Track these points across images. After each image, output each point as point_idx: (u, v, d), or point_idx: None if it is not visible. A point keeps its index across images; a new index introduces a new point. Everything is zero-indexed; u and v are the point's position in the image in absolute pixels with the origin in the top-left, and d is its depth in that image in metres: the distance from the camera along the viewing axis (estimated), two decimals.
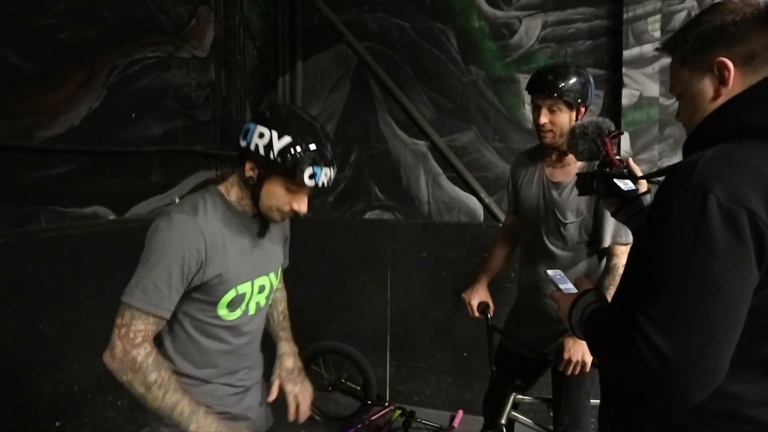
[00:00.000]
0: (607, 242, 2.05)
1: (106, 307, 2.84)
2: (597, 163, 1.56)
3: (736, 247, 0.91)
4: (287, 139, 1.41)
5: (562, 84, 2.00)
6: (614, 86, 3.37)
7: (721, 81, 1.07)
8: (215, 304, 1.50)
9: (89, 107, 2.96)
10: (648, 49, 3.22)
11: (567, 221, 2.09)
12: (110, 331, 1.42)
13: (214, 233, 1.46)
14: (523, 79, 3.57)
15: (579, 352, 1.97)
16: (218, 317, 1.52)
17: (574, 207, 2.08)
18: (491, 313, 2.31)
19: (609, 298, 1.28)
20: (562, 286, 1.38)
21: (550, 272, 1.46)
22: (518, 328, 2.32)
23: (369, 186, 3.98)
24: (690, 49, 1.11)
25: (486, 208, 3.62)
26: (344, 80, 4.01)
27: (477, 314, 2.31)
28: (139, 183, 3.30)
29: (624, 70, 3.29)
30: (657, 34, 3.21)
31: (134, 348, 1.37)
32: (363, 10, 3.91)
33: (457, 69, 3.72)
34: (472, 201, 3.70)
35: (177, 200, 3.55)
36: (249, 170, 1.45)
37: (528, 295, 2.28)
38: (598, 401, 1.31)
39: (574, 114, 2.04)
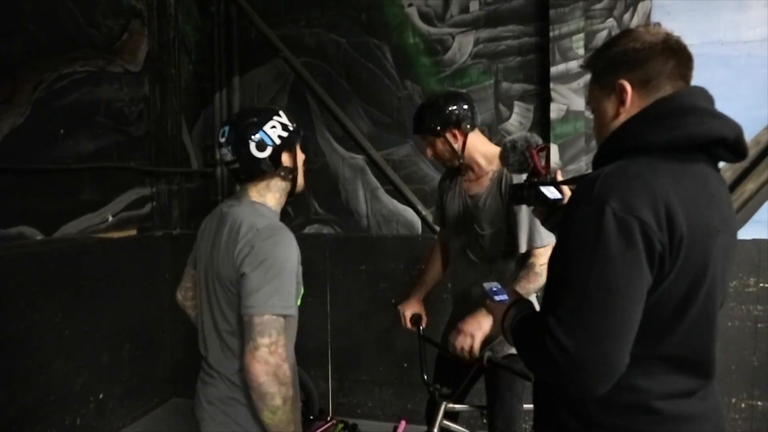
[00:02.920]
0: (523, 248, 2.11)
1: (31, 333, 2.78)
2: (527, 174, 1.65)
3: (628, 252, 1.02)
4: (281, 113, 1.70)
5: (421, 123, 2.19)
6: (543, 101, 3.50)
7: (621, 101, 1.19)
8: (298, 297, 1.66)
9: (12, 123, 2.86)
10: (573, 65, 3.36)
11: (484, 232, 2.18)
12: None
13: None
14: None
15: (467, 333, 2.00)
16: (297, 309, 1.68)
17: (489, 218, 2.17)
18: (424, 324, 2.37)
19: (522, 290, 1.50)
20: (497, 298, 1.44)
21: (485, 285, 1.52)
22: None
23: (308, 200, 3.98)
24: (600, 69, 1.24)
25: (423, 220, 3.68)
26: (281, 95, 4.01)
27: (410, 325, 2.36)
28: (69, 201, 3.20)
29: (552, 85, 3.42)
30: (581, 51, 3.36)
31: (284, 362, 1.52)
32: (299, 25, 3.93)
33: (393, 84, 3.79)
34: (409, 213, 3.75)
35: (110, 218, 3.47)
36: (286, 161, 1.68)
37: (458, 303, 2.35)
38: (531, 406, 1.38)
39: (447, 138, 2.15)
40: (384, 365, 3.65)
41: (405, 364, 3.56)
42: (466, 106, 2.17)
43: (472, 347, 1.99)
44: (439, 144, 2.18)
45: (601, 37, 3.40)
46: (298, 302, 1.68)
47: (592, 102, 1.27)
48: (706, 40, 3.22)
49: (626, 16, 3.35)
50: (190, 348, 4.12)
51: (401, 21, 3.76)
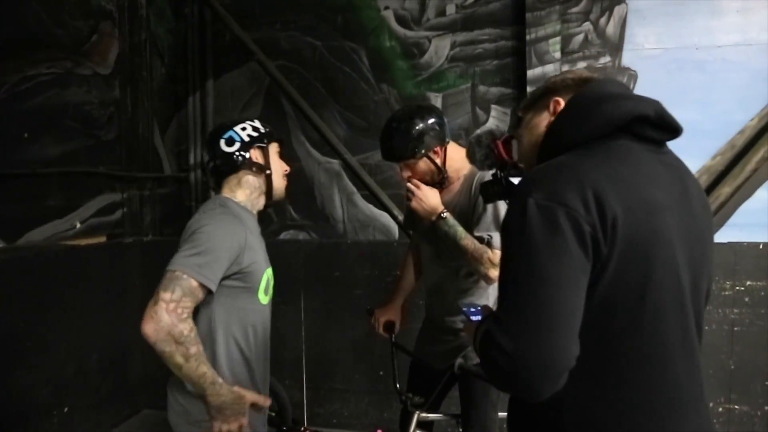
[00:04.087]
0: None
1: None
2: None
3: (554, 239, 0.98)
4: (256, 120, 1.87)
5: (395, 150, 2.06)
6: (520, 104, 3.46)
7: (553, 114, 1.24)
8: (256, 290, 1.72)
9: None
10: (550, 69, 3.34)
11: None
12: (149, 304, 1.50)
13: (247, 225, 1.72)
14: (434, 98, 3.63)
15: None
16: (258, 301, 1.74)
17: (459, 218, 2.07)
18: (396, 331, 2.33)
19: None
20: (473, 318, 1.39)
21: (462, 306, 1.48)
22: (426, 343, 2.33)
23: (283, 206, 3.91)
24: (539, 95, 1.30)
25: (399, 225, 3.63)
26: (256, 99, 3.94)
27: (382, 332, 2.33)
28: (35, 207, 3.10)
29: (528, 88, 3.39)
30: (557, 54, 3.34)
31: (181, 322, 1.50)
32: (274, 28, 3.87)
33: (369, 88, 3.74)
34: (386, 218, 3.70)
35: (78, 225, 3.38)
36: (256, 157, 1.80)
37: (430, 311, 2.31)
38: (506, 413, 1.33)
39: (428, 158, 2.05)
40: (360, 373, 3.58)
41: (381, 372, 3.50)
42: (438, 120, 2.08)
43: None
44: (421, 165, 2.06)
45: (578, 40, 3.38)
46: (260, 293, 1.73)
47: (522, 128, 1.31)
48: (681, 44, 3.22)
49: (602, 20, 3.34)
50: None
51: (377, 24, 3.72)
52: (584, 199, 0.99)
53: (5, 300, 2.80)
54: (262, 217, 3.91)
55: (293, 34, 3.84)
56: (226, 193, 1.80)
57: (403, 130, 2.05)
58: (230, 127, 1.81)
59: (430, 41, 3.66)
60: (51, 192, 3.21)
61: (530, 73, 3.39)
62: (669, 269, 1.06)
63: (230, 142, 1.77)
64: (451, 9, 3.61)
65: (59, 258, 3.17)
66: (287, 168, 1.92)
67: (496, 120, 3.55)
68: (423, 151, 2.04)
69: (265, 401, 1.73)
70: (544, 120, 1.24)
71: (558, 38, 3.35)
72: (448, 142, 2.10)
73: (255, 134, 1.81)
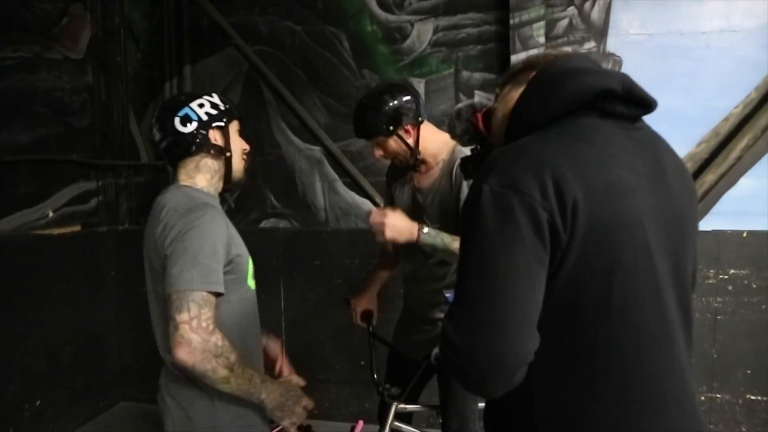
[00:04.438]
0: None
1: None
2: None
3: (506, 227, 0.92)
4: (214, 95, 1.67)
5: (364, 126, 2.02)
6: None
7: None
8: (245, 278, 1.61)
9: None
10: (534, 54, 3.28)
11: (435, 223, 2.06)
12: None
13: (221, 213, 1.58)
14: (417, 83, 3.56)
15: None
16: (249, 288, 1.64)
17: (437, 210, 2.06)
18: (374, 321, 2.29)
19: None
20: None
21: (447, 294, 1.43)
22: (405, 333, 2.29)
23: (264, 194, 3.84)
24: (518, 69, 1.20)
25: None
26: (235, 85, 3.85)
27: (360, 321, 2.29)
28: (3, 196, 3.01)
29: None
30: (541, 39, 3.28)
31: (211, 335, 1.41)
32: (253, 12, 3.77)
33: (351, 73, 3.66)
34: (368, 206, 3.64)
35: (50, 214, 3.28)
36: (215, 138, 1.62)
37: (408, 301, 2.27)
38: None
39: (400, 135, 2.00)
40: (340, 363, 3.54)
41: (362, 362, 3.45)
42: (412, 99, 2.02)
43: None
44: (392, 143, 2.02)
45: (562, 25, 3.32)
46: (249, 279, 1.64)
47: (498, 102, 1.23)
48: (666, 30, 3.17)
49: (587, 5, 3.28)
50: (139, 348, 3.97)
51: (359, 8, 3.63)
52: (542, 184, 0.93)
53: None
54: (244, 205, 3.89)
55: (272, 18, 3.75)
56: (184, 179, 1.63)
57: (373, 106, 2.00)
58: (186, 103, 1.61)
59: (412, 25, 3.58)
60: (21, 180, 3.11)
61: (514, 58, 3.32)
62: (640, 254, 0.98)
63: (186, 120, 1.59)
64: None
65: (30, 248, 3.07)
66: (247, 147, 1.74)
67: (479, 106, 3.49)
68: (392, 128, 1.98)
69: (302, 381, 1.71)
70: (518, 95, 1.16)
71: (542, 23, 3.29)
72: (421, 122, 2.03)
73: (214, 112, 1.62)
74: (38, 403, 3.04)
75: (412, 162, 2.07)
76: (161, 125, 1.61)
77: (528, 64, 1.17)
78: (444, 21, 3.53)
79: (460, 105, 1.53)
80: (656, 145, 1.11)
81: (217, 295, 1.46)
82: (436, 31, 3.55)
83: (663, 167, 1.07)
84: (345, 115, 3.67)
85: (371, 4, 3.61)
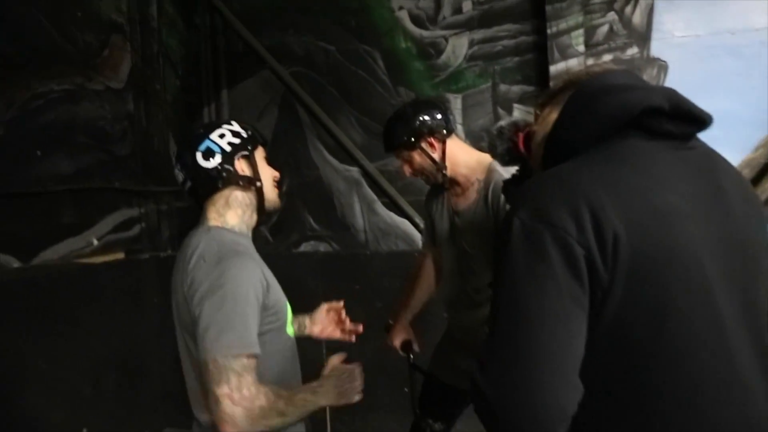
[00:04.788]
0: None
1: (5, 366, 2.63)
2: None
3: (538, 266, 0.84)
4: (233, 122, 1.57)
5: (389, 138, 2.03)
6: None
7: None
8: (284, 326, 1.51)
9: None
10: (573, 63, 3.17)
11: (472, 250, 1.99)
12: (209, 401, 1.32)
13: (255, 258, 1.49)
14: (453, 99, 3.49)
15: None
16: (288, 337, 1.55)
17: (476, 234, 1.97)
18: (416, 348, 2.21)
19: None
20: None
21: None
22: (445, 358, 2.21)
23: (303, 216, 3.81)
24: (557, 89, 1.12)
25: (421, 233, 3.49)
26: (272, 107, 3.86)
27: (401, 352, 2.22)
28: (48, 225, 3.06)
29: (552, 85, 3.23)
30: (581, 48, 3.17)
31: (255, 401, 1.31)
32: (287, 33, 3.78)
33: (386, 91, 3.62)
34: (408, 226, 3.57)
35: (95, 242, 3.33)
36: (242, 169, 1.51)
37: (450, 324, 2.18)
38: None
39: (424, 149, 1.95)
40: (382, 389, 3.44)
41: (405, 389, 3.35)
42: (438, 112, 1.98)
43: None
44: (417, 157, 1.98)
45: (602, 32, 3.20)
46: (288, 327, 1.53)
47: (538, 124, 1.15)
48: (714, 30, 3.02)
49: (627, 9, 3.16)
50: (181, 374, 3.96)
51: (392, 26, 3.60)
52: (577, 217, 0.84)
53: (19, 321, 2.76)
54: (282, 228, 3.87)
55: (305, 39, 3.75)
56: (213, 218, 1.50)
57: (397, 119, 2.01)
58: (205, 136, 1.50)
59: (447, 40, 3.52)
60: (65, 209, 3.16)
61: (553, 68, 3.22)
62: (696, 292, 0.87)
63: (208, 154, 1.47)
64: (467, 6, 3.47)
65: (74, 276, 3.12)
66: (277, 174, 1.65)
67: (519, 120, 3.39)
68: (414, 140, 1.95)
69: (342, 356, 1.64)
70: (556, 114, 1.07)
71: (581, 30, 3.17)
72: (447, 136, 1.98)
73: (237, 141, 1.51)
74: (84, 430, 3.05)
75: (440, 179, 2.00)
76: (183, 164, 1.50)
77: (568, 83, 1.09)
78: (479, 34, 3.46)
79: (502, 123, 1.44)
80: (713, 164, 1.00)
81: (256, 354, 1.35)
82: (471, 44, 3.48)
83: (721, 189, 0.96)
84: (381, 133, 3.61)
85: (404, 21, 3.57)
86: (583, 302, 0.84)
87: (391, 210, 3.61)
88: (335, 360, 1.59)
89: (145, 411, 3.54)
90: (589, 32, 3.20)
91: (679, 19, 3.08)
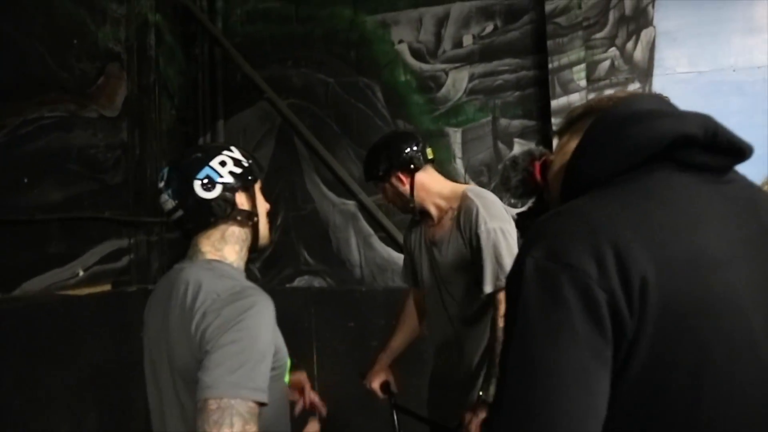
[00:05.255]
0: (488, 288, 1.84)
1: None
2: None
3: (554, 313, 0.72)
4: (233, 148, 1.44)
5: (365, 171, 2.09)
6: (544, 137, 3.26)
7: None
8: (284, 373, 1.38)
9: None
10: (575, 98, 3.13)
11: (451, 280, 1.96)
12: None
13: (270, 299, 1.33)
14: (453, 133, 3.44)
15: (477, 429, 1.78)
16: (285, 384, 1.41)
17: (452, 262, 1.95)
18: (394, 390, 2.14)
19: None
20: None
21: None
22: (436, 398, 2.14)
23: (297, 250, 3.72)
24: (576, 116, 1.01)
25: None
26: (268, 139, 3.80)
27: (380, 395, 2.14)
28: (33, 255, 2.94)
29: (553, 120, 3.19)
30: (582, 83, 3.14)
31: None
32: (286, 65, 3.76)
33: (385, 124, 3.57)
34: None
35: (81, 273, 3.21)
36: (242, 203, 1.39)
37: (436, 362, 2.11)
38: None
39: (393, 183, 2.01)
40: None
41: None
42: (408, 146, 2.00)
43: None
44: (388, 189, 2.03)
45: (604, 67, 3.18)
46: (286, 377, 1.39)
47: (555, 153, 1.06)
48: (717, 66, 2.99)
49: (629, 45, 3.14)
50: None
51: (392, 59, 3.58)
52: (598, 257, 0.73)
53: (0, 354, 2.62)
54: (275, 262, 3.77)
55: (305, 71, 3.72)
56: (209, 252, 1.37)
57: (373, 153, 2.06)
58: (205, 162, 1.35)
59: (447, 74, 3.49)
60: (52, 239, 3.05)
61: (554, 103, 3.19)
62: (739, 345, 0.74)
63: (209, 184, 1.33)
64: (468, 40, 3.46)
65: (57, 308, 2.99)
66: (268, 206, 1.52)
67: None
68: (382, 174, 2.00)
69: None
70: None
71: (582, 65, 3.15)
72: (415, 170, 2.00)
73: (239, 171, 1.38)
74: None
75: (409, 210, 2.05)
76: (176, 191, 1.34)
77: (589, 109, 0.98)
78: (479, 68, 3.44)
79: (515, 153, 1.34)
80: (755, 200, 0.88)
81: (261, 404, 1.19)
82: (471, 78, 3.45)
83: (765, 229, 0.84)
84: None
85: (404, 54, 3.55)
86: (606, 355, 0.72)
87: (388, 245, 3.52)
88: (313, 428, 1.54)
89: None
90: (591, 67, 3.18)
91: (681, 56, 3.06)
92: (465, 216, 1.89)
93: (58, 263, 3.09)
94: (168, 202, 1.37)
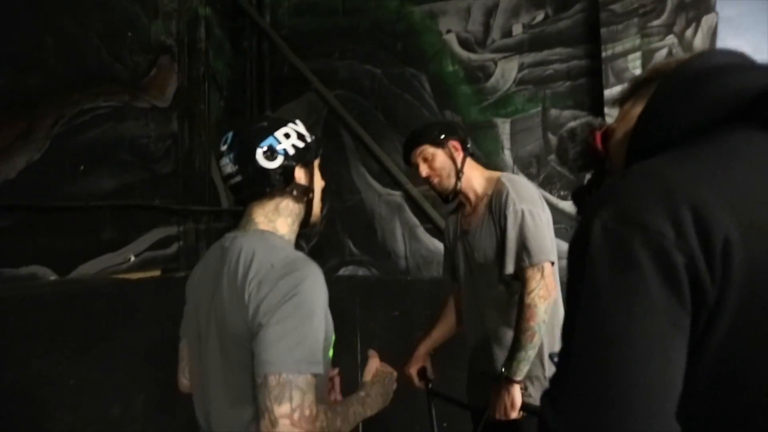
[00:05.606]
0: (509, 268, 1.82)
1: (31, 383, 2.58)
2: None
3: (624, 276, 0.66)
4: (298, 122, 1.45)
5: (421, 130, 2.02)
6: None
7: None
8: (330, 347, 1.36)
9: (28, 159, 2.73)
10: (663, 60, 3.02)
11: (484, 266, 1.93)
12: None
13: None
14: (501, 123, 3.38)
15: (501, 407, 1.76)
16: (329, 360, 1.38)
17: (483, 249, 1.93)
18: (432, 376, 2.12)
19: (525, 335, 1.31)
20: None
21: (553, 357, 1.22)
22: (474, 389, 2.13)
23: (343, 240, 3.72)
24: (641, 81, 0.94)
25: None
26: (315, 129, 3.80)
27: (418, 382, 2.13)
28: (87, 240, 3.03)
29: (606, 110, 3.09)
30: (638, 72, 3.02)
31: (316, 420, 1.18)
32: (333, 57, 3.76)
33: (432, 115, 3.54)
34: None
35: (132, 258, 3.29)
36: (300, 177, 1.39)
37: (473, 355, 2.08)
38: None
39: (446, 151, 1.96)
40: (420, 424, 3.26)
41: (445, 424, 3.17)
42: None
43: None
44: (441, 156, 1.97)
45: (661, 56, 3.06)
46: (330, 353, 1.37)
47: (618, 121, 0.98)
48: None
49: (688, 32, 3.01)
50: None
51: (439, 49, 3.54)
52: (675, 218, 0.66)
53: (51, 334, 2.71)
54: (321, 252, 3.78)
55: (352, 63, 3.72)
56: (262, 223, 1.36)
57: (429, 123, 2.09)
58: (269, 131, 1.35)
59: (495, 64, 3.43)
60: (105, 225, 3.14)
61: (607, 92, 3.09)
62: None
63: (271, 153, 1.32)
64: (517, 29, 3.38)
65: (110, 292, 3.07)
66: (323, 184, 1.52)
67: None
68: (444, 137, 1.97)
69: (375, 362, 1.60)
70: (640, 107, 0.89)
71: (638, 54, 3.04)
72: (470, 151, 2.02)
73: (301, 145, 1.38)
74: None
75: (452, 186, 1.98)
76: (238, 156, 1.33)
77: (655, 73, 0.90)
78: (529, 58, 3.36)
79: (572, 124, 1.27)
80: None
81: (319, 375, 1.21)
82: (521, 68, 3.38)
83: None
84: None
85: (452, 44, 3.50)
86: (684, 323, 0.66)
87: (434, 236, 3.48)
88: (375, 363, 1.51)
89: None
90: (647, 56, 3.06)
91: (745, 44, 2.91)
92: (496, 199, 1.88)
93: (111, 248, 3.17)
94: (228, 166, 1.36)
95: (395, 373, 1.47)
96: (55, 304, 2.74)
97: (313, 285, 1.21)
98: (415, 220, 3.56)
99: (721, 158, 0.72)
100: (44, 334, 2.68)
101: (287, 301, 1.17)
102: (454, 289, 2.27)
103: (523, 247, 1.79)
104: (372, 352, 1.55)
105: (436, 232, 3.46)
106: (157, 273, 3.46)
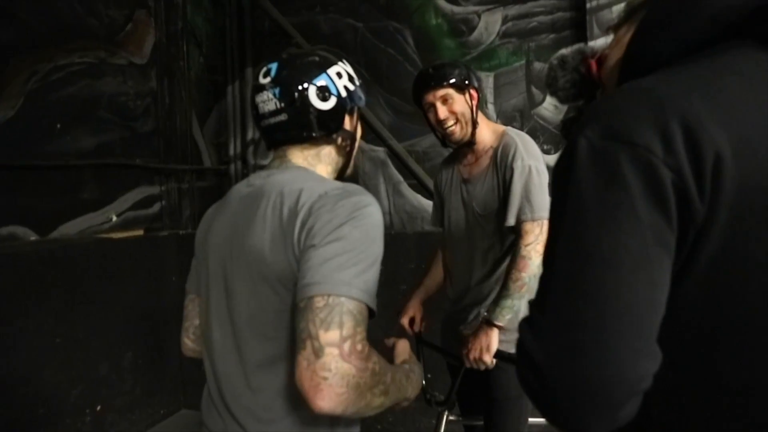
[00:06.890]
0: (510, 220, 1.82)
1: (18, 340, 2.58)
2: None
3: (609, 194, 0.62)
4: (346, 62, 1.25)
5: (444, 71, 1.94)
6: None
7: None
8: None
9: (2, 117, 2.68)
10: None
11: (484, 214, 1.92)
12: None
13: None
14: (485, 77, 3.34)
15: (477, 348, 1.78)
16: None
17: (484, 199, 1.93)
18: (421, 326, 2.15)
19: (515, 284, 1.30)
20: None
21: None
22: (449, 334, 2.14)
23: None
24: (636, 6, 0.87)
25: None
26: None
27: (408, 329, 2.15)
28: (68, 200, 3.01)
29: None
30: None
31: (368, 360, 0.96)
32: (314, 11, 3.68)
33: (415, 69, 3.48)
34: None
35: (114, 218, 3.27)
36: (347, 123, 1.21)
37: (454, 307, 2.09)
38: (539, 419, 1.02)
39: (467, 97, 1.92)
40: None
41: (428, 375, 3.22)
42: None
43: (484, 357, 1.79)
44: (461, 101, 1.92)
45: None
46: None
47: (611, 47, 0.92)
48: None
49: None
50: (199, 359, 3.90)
51: (422, 2, 3.47)
52: (665, 133, 0.62)
53: (35, 293, 2.71)
54: None
55: (333, 17, 3.65)
56: (301, 163, 1.19)
57: (452, 64, 1.98)
58: (323, 68, 1.17)
59: (479, 17, 3.37)
60: (85, 184, 3.11)
61: (592, 44, 3.05)
62: None
63: (325, 93, 1.16)
64: None
65: (92, 251, 3.06)
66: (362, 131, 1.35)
67: (553, 100, 3.23)
68: (467, 83, 1.92)
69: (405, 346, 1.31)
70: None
71: (623, 5, 3.00)
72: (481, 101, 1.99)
73: (352, 88, 1.21)
74: (99, 408, 3.00)
75: (467, 134, 1.95)
76: (285, 92, 1.14)
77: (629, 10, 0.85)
78: (513, 10, 3.31)
79: (563, 51, 1.18)
80: None
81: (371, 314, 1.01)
82: (504, 21, 3.33)
83: None
84: (410, 113, 3.50)
85: None
86: (669, 242, 0.63)
87: (417, 192, 3.49)
88: (407, 344, 1.29)
89: (163, 392, 3.49)
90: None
91: None
92: (503, 151, 1.87)
93: (92, 208, 3.15)
94: (271, 102, 1.16)
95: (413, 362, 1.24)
96: (37, 264, 2.73)
97: (376, 212, 1.05)
98: (398, 176, 3.55)
99: (714, 73, 0.68)
100: (29, 292, 2.68)
101: (346, 222, 1.00)
102: (443, 250, 2.27)
103: (526, 201, 1.80)
104: (403, 343, 1.32)
105: (420, 187, 3.46)
106: (140, 233, 3.45)
